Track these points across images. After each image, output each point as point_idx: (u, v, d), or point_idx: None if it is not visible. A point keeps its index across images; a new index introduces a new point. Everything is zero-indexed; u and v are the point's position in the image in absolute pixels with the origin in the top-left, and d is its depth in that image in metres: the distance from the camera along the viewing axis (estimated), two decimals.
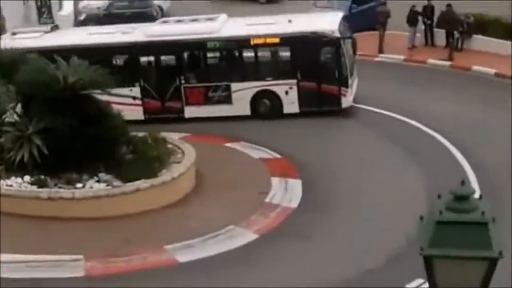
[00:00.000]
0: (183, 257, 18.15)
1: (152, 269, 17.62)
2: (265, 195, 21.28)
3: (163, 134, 23.10)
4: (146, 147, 21.92)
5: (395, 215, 19.32)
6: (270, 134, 25.73)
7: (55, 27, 30.47)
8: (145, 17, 37.38)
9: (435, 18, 34.68)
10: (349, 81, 26.09)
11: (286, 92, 26.40)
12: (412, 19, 34.92)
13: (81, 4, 42.51)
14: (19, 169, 20.34)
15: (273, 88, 26.53)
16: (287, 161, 23.72)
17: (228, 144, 25.28)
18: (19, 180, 20.25)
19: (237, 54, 27.31)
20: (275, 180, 22.20)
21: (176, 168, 21.37)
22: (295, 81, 26.38)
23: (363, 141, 25.15)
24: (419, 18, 34.99)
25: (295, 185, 21.91)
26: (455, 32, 34.02)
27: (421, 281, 15.53)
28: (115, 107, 26.61)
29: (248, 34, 26.58)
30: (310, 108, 26.43)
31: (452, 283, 5.22)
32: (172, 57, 27.85)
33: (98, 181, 20.42)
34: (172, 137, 23.57)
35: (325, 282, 16.79)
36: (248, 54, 27.14)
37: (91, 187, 20.24)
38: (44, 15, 38.97)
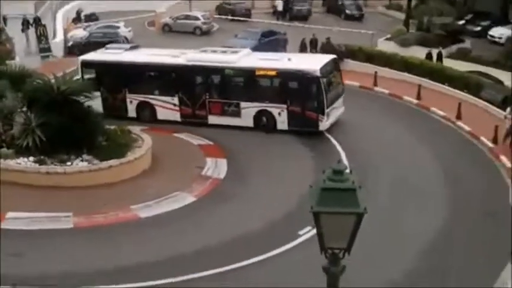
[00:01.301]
0: (143, 214, 17.97)
1: (122, 222, 17.46)
2: (201, 170, 21.18)
3: (129, 127, 22.74)
4: (116, 137, 21.61)
5: (292, 185, 19.43)
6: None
7: (134, 47, 29.04)
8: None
9: (319, 48, 35.04)
10: (326, 110, 24.43)
11: (279, 113, 24.87)
12: (302, 48, 35.21)
13: (69, 34, 41.45)
14: (25, 152, 19.97)
15: (270, 109, 25.01)
16: (217, 146, 23.61)
17: (175, 135, 24.99)
18: (25, 159, 19.86)
19: (246, 80, 25.62)
20: (208, 160, 22.08)
21: (138, 151, 21.13)
22: (285, 105, 24.81)
23: (275, 137, 24.72)
24: (308, 47, 35.30)
25: (223, 163, 21.83)
26: None
27: (310, 228, 15.70)
28: (161, 110, 26.30)
29: (255, 66, 25.27)
30: (296, 127, 24.60)
31: (333, 231, 5.27)
32: (202, 77, 26.31)
33: (82, 160, 20.08)
34: (135, 129, 23.21)
35: (243, 230, 16.91)
36: (254, 81, 25.43)
37: (77, 164, 19.89)
38: (43, 42, 37.70)
